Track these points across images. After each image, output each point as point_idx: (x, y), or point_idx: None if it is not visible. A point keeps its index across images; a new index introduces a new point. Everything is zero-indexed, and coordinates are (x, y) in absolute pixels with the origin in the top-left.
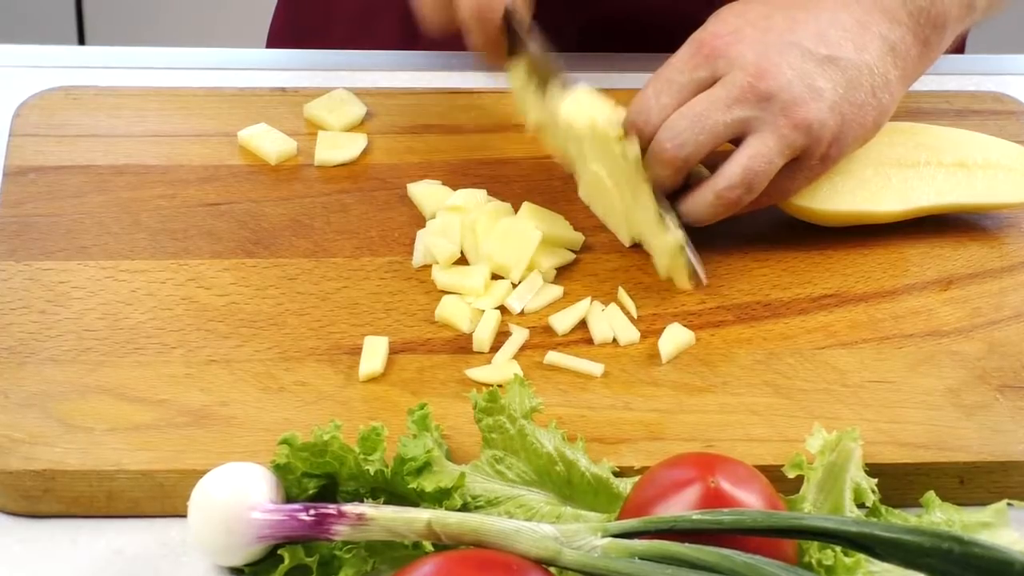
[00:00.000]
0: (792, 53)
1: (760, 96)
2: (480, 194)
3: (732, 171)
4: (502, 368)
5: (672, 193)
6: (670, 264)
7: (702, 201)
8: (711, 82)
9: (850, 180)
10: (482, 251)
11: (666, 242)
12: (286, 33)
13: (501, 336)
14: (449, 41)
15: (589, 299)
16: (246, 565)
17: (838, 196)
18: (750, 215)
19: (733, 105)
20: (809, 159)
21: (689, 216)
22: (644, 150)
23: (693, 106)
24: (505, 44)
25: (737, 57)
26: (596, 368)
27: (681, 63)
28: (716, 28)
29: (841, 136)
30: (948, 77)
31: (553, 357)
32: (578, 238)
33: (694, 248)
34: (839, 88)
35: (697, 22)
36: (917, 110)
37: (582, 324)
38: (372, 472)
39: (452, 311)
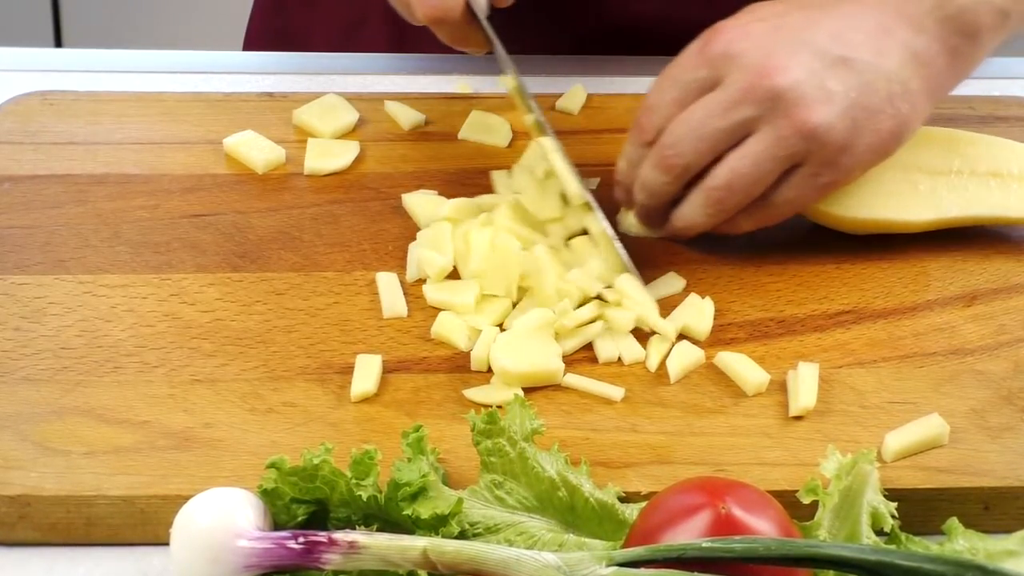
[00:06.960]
0: (803, 52)
1: (763, 96)
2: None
3: (718, 171)
4: (502, 388)
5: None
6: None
7: (692, 202)
8: (713, 82)
9: (874, 185)
10: (471, 269)
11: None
12: (264, 38)
13: None
14: (441, 43)
15: (601, 323)
16: None
17: (861, 202)
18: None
19: (731, 110)
20: (813, 166)
21: (685, 220)
22: (648, 148)
23: (693, 112)
24: (480, 36)
25: (738, 56)
26: (616, 392)
27: (686, 60)
28: (724, 24)
29: (852, 144)
30: (972, 82)
31: (571, 380)
32: None
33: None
34: (851, 92)
35: (698, 32)
36: (938, 116)
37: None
38: (365, 498)
39: (448, 328)
